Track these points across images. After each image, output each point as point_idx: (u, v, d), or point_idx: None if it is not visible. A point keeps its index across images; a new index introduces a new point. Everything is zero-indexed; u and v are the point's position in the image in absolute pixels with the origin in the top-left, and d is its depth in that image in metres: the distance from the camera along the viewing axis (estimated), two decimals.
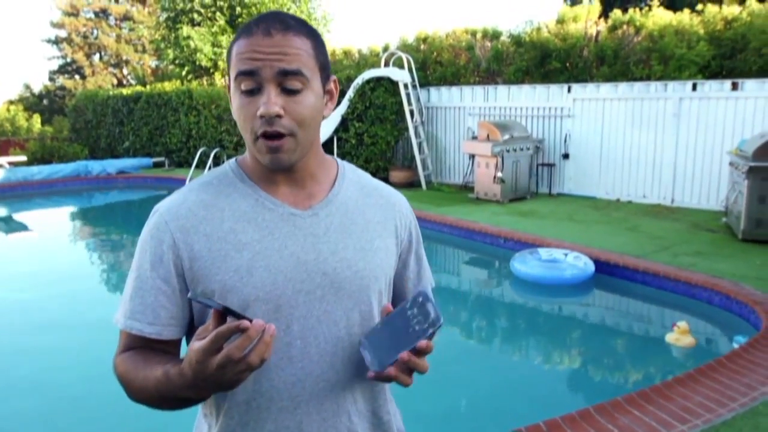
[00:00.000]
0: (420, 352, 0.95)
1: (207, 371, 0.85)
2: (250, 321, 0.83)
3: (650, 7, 10.41)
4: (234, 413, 1.04)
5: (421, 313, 0.95)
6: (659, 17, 9.80)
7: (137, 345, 1.05)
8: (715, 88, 8.37)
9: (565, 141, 9.83)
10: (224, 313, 0.85)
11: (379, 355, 0.98)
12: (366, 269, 1.08)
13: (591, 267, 5.69)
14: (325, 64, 1.05)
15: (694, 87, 8.54)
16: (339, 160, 1.19)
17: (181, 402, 0.98)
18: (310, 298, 1.04)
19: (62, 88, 28.76)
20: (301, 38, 0.99)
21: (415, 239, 1.23)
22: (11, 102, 25.86)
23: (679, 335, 4.31)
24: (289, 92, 0.98)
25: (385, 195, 1.19)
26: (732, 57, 9.12)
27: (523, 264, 5.85)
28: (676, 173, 8.79)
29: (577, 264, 5.69)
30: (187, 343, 1.09)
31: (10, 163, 14.18)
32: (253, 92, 0.97)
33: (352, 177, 1.17)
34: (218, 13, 15.92)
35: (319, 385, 1.04)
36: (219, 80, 16.03)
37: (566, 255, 5.84)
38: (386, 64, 11.47)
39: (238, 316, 0.84)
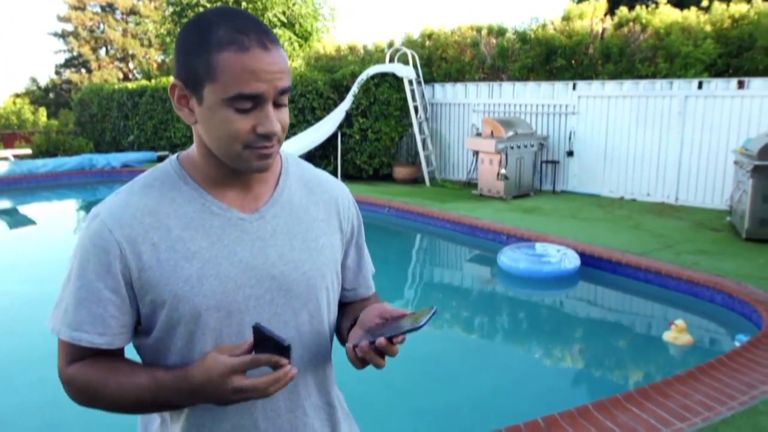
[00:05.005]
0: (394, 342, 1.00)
1: (223, 386, 0.91)
2: (288, 360, 0.92)
3: (657, 4, 10.32)
4: (190, 416, 1.05)
5: (416, 318, 1.01)
6: (666, 15, 9.73)
7: (85, 355, 1.03)
8: (721, 87, 8.31)
9: (570, 138, 9.79)
10: (274, 344, 0.91)
11: (365, 337, 1.04)
12: (313, 269, 1.10)
13: (575, 262, 5.70)
14: None
15: (700, 85, 8.49)
16: (282, 153, 1.16)
17: (159, 408, 1.01)
18: (260, 302, 1.05)
19: (68, 81, 28.90)
20: (281, 47, 0.98)
21: (357, 230, 1.25)
22: (17, 95, 25.97)
23: (677, 333, 4.28)
24: (279, 106, 0.99)
25: (328, 189, 1.19)
26: (739, 55, 9.05)
27: (506, 257, 5.89)
28: (680, 172, 8.73)
29: (559, 258, 5.70)
30: (135, 346, 1.09)
31: (16, 156, 14.24)
32: (247, 110, 0.95)
33: (295, 172, 1.17)
34: None
35: None
36: None
37: (558, 250, 5.85)
38: (391, 60, 11.45)
39: (282, 350, 0.91)
